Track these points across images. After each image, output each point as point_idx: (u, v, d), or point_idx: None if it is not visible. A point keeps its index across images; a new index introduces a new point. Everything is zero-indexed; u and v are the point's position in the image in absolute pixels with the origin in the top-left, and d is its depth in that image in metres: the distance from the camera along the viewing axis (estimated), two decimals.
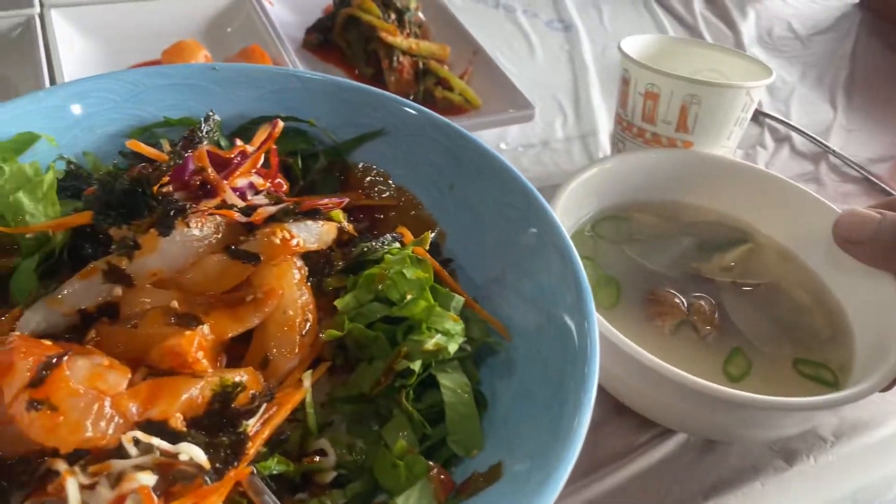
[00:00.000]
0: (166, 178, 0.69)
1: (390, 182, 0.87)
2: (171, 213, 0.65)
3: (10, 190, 0.70)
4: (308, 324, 0.67)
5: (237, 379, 0.60)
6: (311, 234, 0.70)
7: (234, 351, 0.65)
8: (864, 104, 1.72)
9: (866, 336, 0.94)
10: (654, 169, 1.12)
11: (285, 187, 0.80)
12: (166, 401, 0.56)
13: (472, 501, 0.60)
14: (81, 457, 0.53)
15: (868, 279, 0.96)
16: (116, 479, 0.51)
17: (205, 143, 0.74)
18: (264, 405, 0.60)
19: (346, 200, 0.77)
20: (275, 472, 0.61)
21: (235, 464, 0.55)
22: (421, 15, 1.53)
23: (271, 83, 0.87)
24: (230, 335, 0.63)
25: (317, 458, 0.63)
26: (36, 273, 0.69)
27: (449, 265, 0.80)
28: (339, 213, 0.75)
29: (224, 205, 0.69)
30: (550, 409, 0.62)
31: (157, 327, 0.61)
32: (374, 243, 0.74)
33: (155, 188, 0.67)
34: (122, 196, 0.66)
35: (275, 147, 0.79)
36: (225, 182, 0.70)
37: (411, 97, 1.38)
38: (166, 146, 0.76)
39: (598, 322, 0.68)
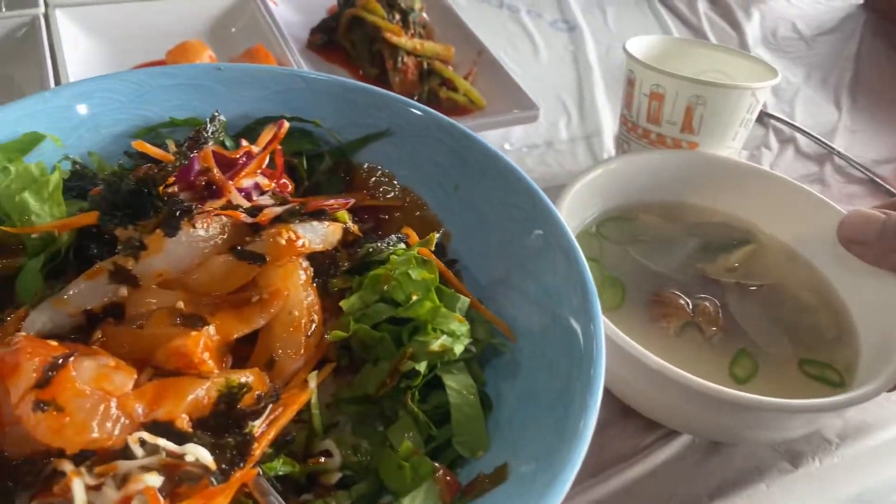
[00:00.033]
0: (172, 179, 0.69)
1: (395, 182, 0.87)
2: (177, 213, 0.65)
3: (16, 190, 0.70)
4: (313, 325, 0.67)
5: (243, 380, 0.60)
6: (317, 235, 0.70)
7: (240, 352, 0.65)
8: (868, 105, 1.72)
9: (871, 336, 0.94)
10: (659, 170, 1.12)
11: (290, 188, 0.80)
12: (172, 401, 0.56)
13: (478, 503, 0.60)
14: (87, 457, 0.53)
15: (873, 279, 0.96)
16: (122, 480, 0.51)
17: (210, 143, 0.74)
18: (270, 406, 0.60)
19: (352, 201, 0.77)
20: (280, 472, 0.61)
21: (241, 465, 0.55)
22: (425, 15, 1.53)
23: (276, 83, 0.87)
24: (236, 336, 0.63)
25: (322, 459, 0.63)
26: (41, 273, 0.69)
27: (454, 266, 0.80)
28: (344, 214, 0.75)
29: (229, 205, 0.69)
30: (556, 410, 0.62)
31: (162, 328, 0.61)
32: (379, 244, 0.74)
33: (161, 188, 0.67)
34: (128, 196, 0.66)
35: (280, 147, 0.79)
36: (230, 183, 0.70)
37: (416, 98, 1.38)
38: (172, 146, 0.76)
39: (604, 324, 0.68)
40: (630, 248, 1.06)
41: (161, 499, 0.51)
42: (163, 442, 0.54)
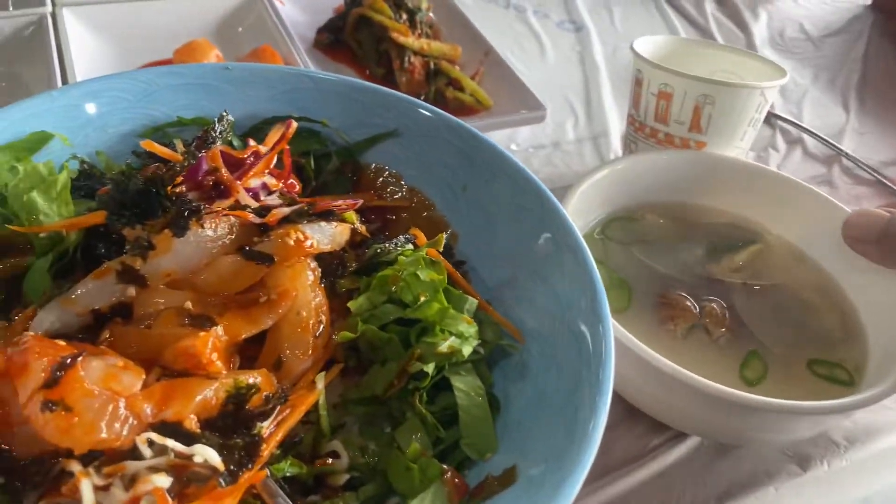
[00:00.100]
0: (180, 179, 0.69)
1: (403, 183, 0.86)
2: (186, 213, 0.65)
3: (25, 189, 0.70)
4: (321, 325, 0.67)
5: (251, 380, 0.60)
6: (325, 236, 0.70)
7: (248, 352, 0.65)
8: (876, 107, 1.72)
9: (880, 336, 0.94)
10: (665, 170, 1.12)
11: (298, 188, 0.80)
12: (180, 402, 0.56)
13: None
14: (96, 458, 0.52)
15: (880, 279, 0.96)
16: (131, 481, 0.51)
17: (218, 143, 0.74)
18: (278, 407, 0.60)
19: (361, 202, 0.77)
20: (288, 474, 0.60)
21: (250, 466, 0.55)
22: (432, 15, 1.53)
23: (284, 83, 0.87)
24: (244, 336, 0.63)
25: (330, 461, 0.63)
26: (49, 273, 0.69)
27: (462, 267, 0.80)
28: (352, 215, 0.75)
29: (237, 205, 0.69)
30: (565, 412, 0.62)
31: (171, 328, 0.61)
32: (387, 245, 0.74)
33: (169, 188, 0.67)
34: (137, 196, 0.66)
35: (288, 147, 0.79)
36: (238, 183, 0.70)
37: (422, 97, 1.38)
38: (180, 146, 0.76)
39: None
40: (635, 250, 1.06)
41: (169, 500, 0.50)
42: (171, 443, 0.53)
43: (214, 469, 0.53)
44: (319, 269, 0.69)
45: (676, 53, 1.25)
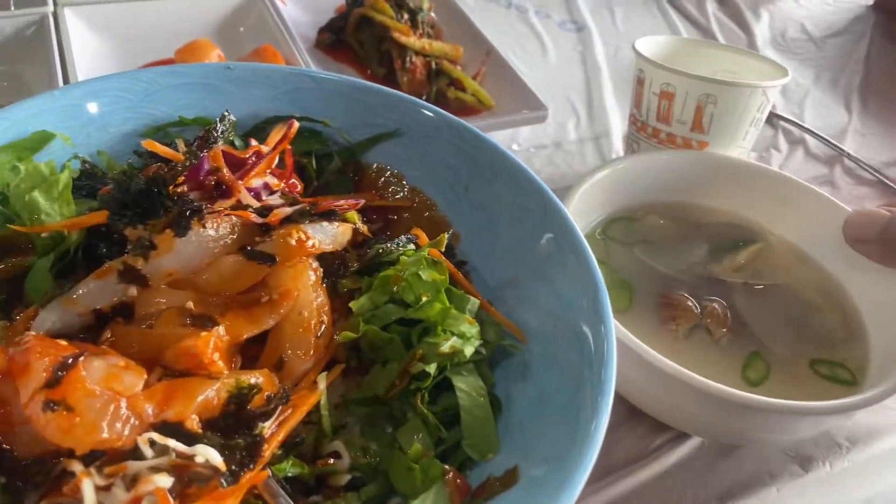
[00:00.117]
0: (181, 178, 0.69)
1: (404, 183, 0.86)
2: (187, 213, 0.65)
3: (26, 189, 0.70)
4: (323, 325, 0.67)
5: (253, 381, 0.60)
6: (327, 236, 0.70)
7: (249, 352, 0.65)
8: (878, 108, 1.71)
9: (882, 336, 0.94)
10: (666, 170, 1.12)
11: (300, 188, 0.80)
12: (182, 402, 0.56)
13: None
14: (97, 458, 0.52)
15: (882, 279, 0.96)
16: (132, 481, 0.51)
17: (220, 142, 0.74)
18: (279, 407, 0.60)
19: (363, 202, 0.77)
20: (289, 474, 0.60)
21: (251, 466, 0.55)
22: (434, 15, 1.53)
23: (286, 83, 0.86)
24: (245, 336, 0.63)
25: (331, 461, 0.63)
26: (51, 272, 0.69)
27: (464, 267, 0.79)
28: (354, 215, 0.75)
29: (239, 205, 0.69)
30: (567, 412, 0.62)
31: (172, 328, 0.61)
32: (389, 245, 0.74)
33: (170, 188, 0.67)
34: (138, 196, 0.66)
35: (289, 147, 0.78)
36: (240, 182, 0.70)
37: (424, 97, 1.37)
38: (181, 146, 0.76)
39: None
40: (636, 250, 1.06)
41: (171, 500, 0.50)
42: (172, 443, 0.53)
43: (216, 469, 0.53)
44: (321, 269, 0.69)
45: (678, 53, 1.25)
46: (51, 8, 1.31)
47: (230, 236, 0.67)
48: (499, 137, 1.30)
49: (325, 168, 0.87)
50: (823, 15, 2.07)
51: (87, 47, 1.29)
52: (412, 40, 1.40)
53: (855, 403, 0.79)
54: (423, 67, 1.40)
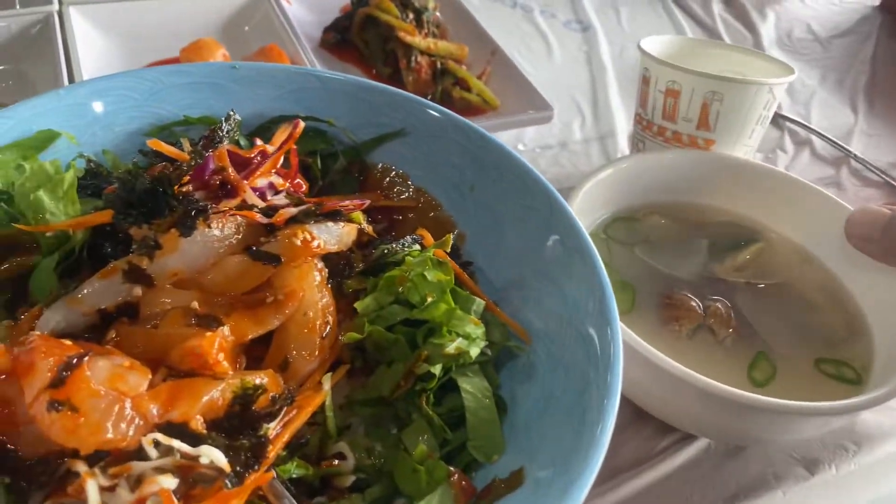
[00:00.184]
0: (187, 178, 0.68)
1: (409, 183, 0.86)
2: (193, 212, 0.65)
3: (31, 188, 0.70)
4: (328, 326, 0.66)
5: (257, 381, 0.59)
6: (332, 236, 0.70)
7: (254, 352, 0.65)
8: (884, 108, 1.71)
9: (886, 335, 0.94)
10: (668, 170, 1.11)
11: (305, 187, 0.80)
12: (187, 402, 0.56)
13: None
14: (102, 458, 0.52)
15: (885, 277, 0.96)
16: (136, 482, 0.51)
17: (225, 142, 0.74)
18: (284, 408, 0.60)
19: (368, 202, 0.77)
20: (294, 475, 0.60)
21: (256, 467, 0.55)
22: (439, 14, 1.52)
23: (291, 82, 0.86)
24: (250, 337, 0.63)
25: (336, 462, 0.63)
26: (56, 272, 0.69)
27: (469, 268, 0.79)
28: (359, 215, 0.75)
29: (244, 205, 0.69)
30: (573, 414, 0.62)
31: (177, 328, 0.61)
32: (394, 245, 0.73)
33: (176, 188, 0.67)
34: (143, 195, 0.66)
35: (295, 147, 0.78)
36: (245, 182, 0.70)
37: (429, 97, 1.37)
38: (186, 145, 0.76)
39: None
40: (638, 250, 1.05)
41: (175, 501, 0.50)
42: (177, 443, 0.53)
43: (220, 470, 0.53)
44: (326, 270, 0.69)
45: (683, 53, 1.24)
46: (56, 7, 1.31)
47: (235, 236, 0.67)
48: (504, 138, 1.30)
49: (330, 168, 0.87)
50: (829, 15, 2.06)
51: (92, 46, 1.30)
52: (417, 40, 1.40)
53: (860, 404, 0.79)
54: (429, 67, 1.40)
